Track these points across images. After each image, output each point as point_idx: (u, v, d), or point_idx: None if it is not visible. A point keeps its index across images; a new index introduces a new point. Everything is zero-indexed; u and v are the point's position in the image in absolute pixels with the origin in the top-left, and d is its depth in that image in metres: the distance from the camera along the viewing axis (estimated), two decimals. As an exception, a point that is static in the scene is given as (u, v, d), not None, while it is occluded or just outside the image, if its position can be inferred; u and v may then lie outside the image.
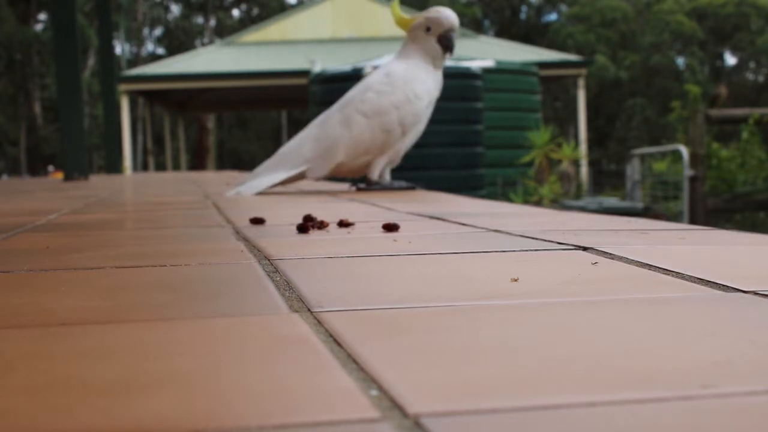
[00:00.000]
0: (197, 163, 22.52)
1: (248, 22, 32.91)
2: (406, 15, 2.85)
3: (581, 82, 15.50)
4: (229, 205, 2.24)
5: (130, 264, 1.00)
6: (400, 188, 2.80)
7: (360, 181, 2.90)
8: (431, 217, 1.62)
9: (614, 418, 0.40)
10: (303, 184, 3.61)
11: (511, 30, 33.28)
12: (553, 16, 34.70)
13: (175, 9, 35.74)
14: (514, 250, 1.06)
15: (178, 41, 33.04)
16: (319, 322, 0.63)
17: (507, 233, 1.26)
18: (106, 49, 9.34)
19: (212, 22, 34.06)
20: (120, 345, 0.57)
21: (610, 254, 0.99)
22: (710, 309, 0.66)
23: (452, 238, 1.22)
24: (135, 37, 32.31)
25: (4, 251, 1.21)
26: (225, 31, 31.93)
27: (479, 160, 7.58)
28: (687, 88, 11.24)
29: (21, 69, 26.36)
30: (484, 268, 0.91)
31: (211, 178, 6.19)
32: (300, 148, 2.83)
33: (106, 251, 1.16)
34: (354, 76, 7.49)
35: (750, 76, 33.63)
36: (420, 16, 2.80)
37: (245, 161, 30.36)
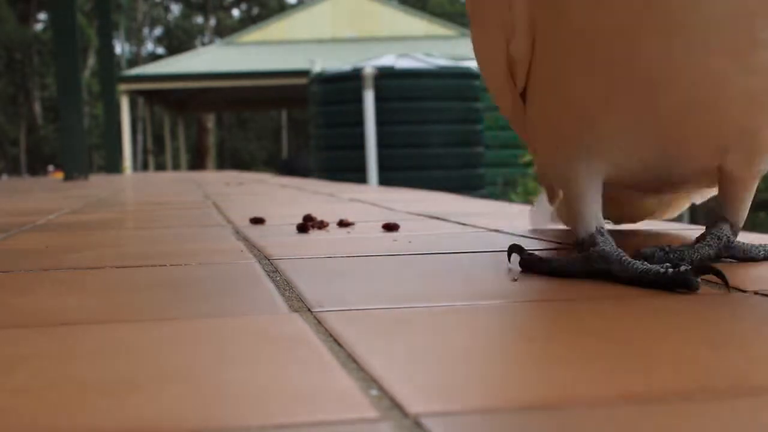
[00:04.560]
0: (197, 162, 22.53)
1: (248, 21, 32.89)
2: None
3: (581, 82, 15.46)
4: (229, 205, 2.24)
5: (130, 264, 1.00)
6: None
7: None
8: (431, 217, 1.62)
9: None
10: (302, 184, 3.60)
11: (511, 30, 33.19)
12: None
13: (175, 9, 35.75)
14: (514, 250, 1.06)
15: (178, 41, 33.03)
16: (319, 321, 0.63)
17: (507, 233, 1.26)
18: (106, 49, 9.34)
19: (212, 22, 34.06)
20: (120, 345, 0.57)
21: (610, 254, 0.99)
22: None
23: (452, 238, 1.22)
24: (135, 37, 32.32)
25: (4, 251, 1.21)
26: (225, 31, 31.91)
27: (479, 160, 7.57)
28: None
29: (21, 69, 26.36)
30: (484, 267, 0.91)
31: (211, 178, 6.19)
32: None
33: (106, 251, 1.16)
34: (354, 76, 7.48)
35: (750, 76, 33.56)
36: None
37: (245, 161, 30.34)
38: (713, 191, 1.13)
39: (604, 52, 0.80)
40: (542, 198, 1.25)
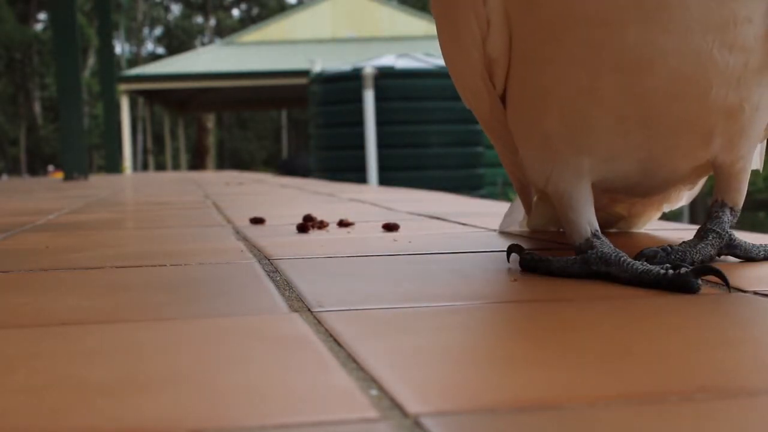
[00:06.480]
0: (197, 162, 22.53)
1: (248, 21, 32.89)
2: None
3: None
4: (229, 205, 2.24)
5: (129, 264, 1.00)
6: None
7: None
8: (431, 217, 1.62)
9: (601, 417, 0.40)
10: (302, 184, 3.60)
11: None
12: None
13: (175, 9, 35.75)
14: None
15: (178, 41, 33.03)
16: (319, 321, 0.63)
17: (507, 233, 1.26)
18: (106, 49, 9.34)
19: (212, 22, 34.06)
20: (120, 345, 0.57)
21: (610, 254, 0.99)
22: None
23: (452, 238, 1.22)
24: (135, 37, 32.31)
25: (4, 251, 1.21)
26: (225, 31, 31.91)
27: (479, 160, 7.57)
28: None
29: (21, 69, 26.36)
30: (483, 267, 0.91)
31: (211, 178, 6.19)
32: None
33: (105, 251, 1.16)
34: (354, 76, 7.48)
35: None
36: None
37: (245, 161, 30.33)
38: (685, 199, 1.12)
39: (583, 40, 0.78)
40: (516, 204, 1.25)
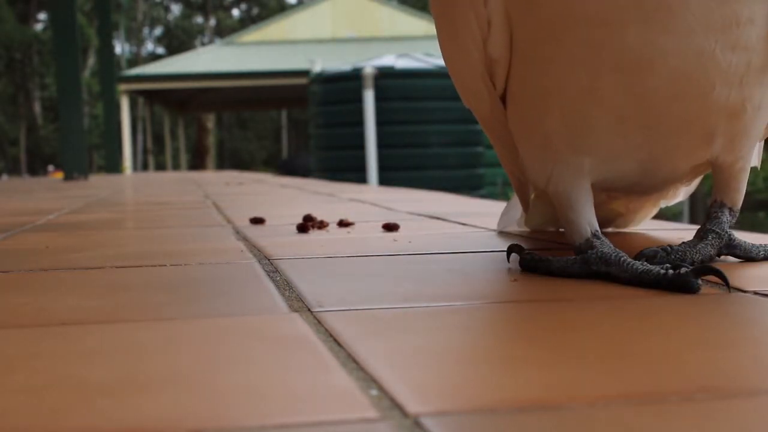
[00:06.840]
0: (197, 162, 22.53)
1: (248, 21, 32.89)
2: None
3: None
4: (229, 205, 2.24)
5: (129, 264, 1.00)
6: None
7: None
8: (431, 217, 1.62)
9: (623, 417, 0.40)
10: (302, 184, 3.60)
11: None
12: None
13: (175, 9, 35.75)
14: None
15: (178, 41, 33.03)
16: (319, 321, 0.63)
17: (507, 233, 1.26)
18: (106, 49, 9.35)
19: (212, 22, 34.06)
20: (120, 345, 0.57)
21: (610, 254, 0.99)
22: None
23: (452, 238, 1.22)
24: (135, 37, 32.32)
25: (4, 251, 1.21)
26: (225, 31, 31.91)
27: (479, 160, 7.57)
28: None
29: (21, 69, 26.36)
30: (483, 267, 0.91)
31: (211, 178, 6.19)
32: None
33: (105, 251, 1.16)
34: (354, 76, 7.48)
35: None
36: None
37: (245, 161, 30.33)
38: (682, 195, 1.12)
39: (584, 40, 0.78)
40: (513, 202, 1.25)
